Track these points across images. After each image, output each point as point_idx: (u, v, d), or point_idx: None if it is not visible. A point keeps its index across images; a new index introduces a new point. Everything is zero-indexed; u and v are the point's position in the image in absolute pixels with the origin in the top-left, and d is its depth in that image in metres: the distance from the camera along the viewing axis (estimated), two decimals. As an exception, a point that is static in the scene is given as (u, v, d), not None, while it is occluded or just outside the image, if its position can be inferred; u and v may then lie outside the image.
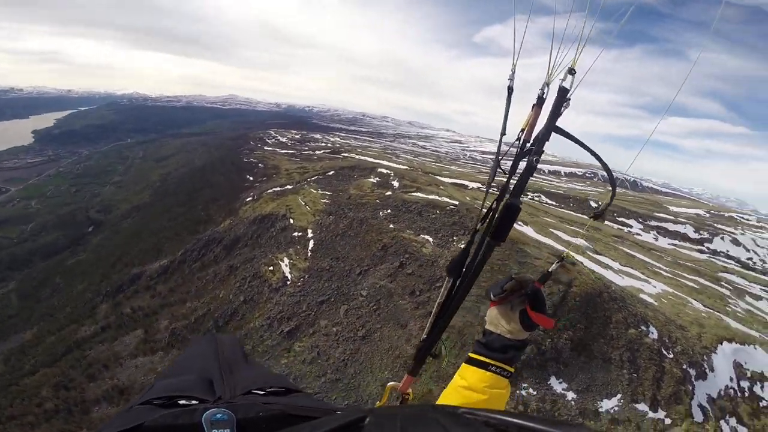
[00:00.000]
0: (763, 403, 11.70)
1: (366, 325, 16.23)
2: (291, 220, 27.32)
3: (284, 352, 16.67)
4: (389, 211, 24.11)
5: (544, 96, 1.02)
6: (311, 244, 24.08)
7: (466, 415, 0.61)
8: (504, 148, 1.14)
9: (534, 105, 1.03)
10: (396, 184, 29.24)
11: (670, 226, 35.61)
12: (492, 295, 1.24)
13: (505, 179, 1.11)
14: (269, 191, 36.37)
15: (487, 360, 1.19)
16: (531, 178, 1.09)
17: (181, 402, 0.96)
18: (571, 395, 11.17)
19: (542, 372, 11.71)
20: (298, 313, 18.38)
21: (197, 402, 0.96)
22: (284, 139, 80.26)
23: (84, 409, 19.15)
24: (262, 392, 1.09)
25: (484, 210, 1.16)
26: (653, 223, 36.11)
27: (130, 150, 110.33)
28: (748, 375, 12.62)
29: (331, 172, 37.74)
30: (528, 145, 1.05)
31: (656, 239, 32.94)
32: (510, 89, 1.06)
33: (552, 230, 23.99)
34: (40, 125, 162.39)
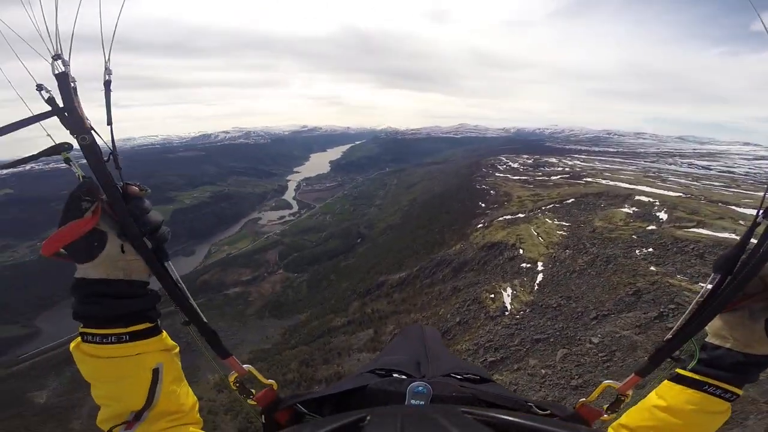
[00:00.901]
0: None
1: (584, 376, 13.14)
2: (521, 251, 25.83)
3: (480, 381, 15.69)
4: (650, 249, 19.13)
5: None
6: (540, 277, 21.96)
7: (466, 415, 0.63)
8: None
9: None
10: (663, 216, 23.05)
11: None
12: None
13: None
14: (500, 219, 35.90)
15: (704, 379, 0.99)
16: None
17: (395, 375, 1.18)
18: None
19: None
20: (507, 346, 17.12)
21: (406, 377, 1.16)
22: (516, 165, 78.45)
23: (308, 386, 23.57)
24: (459, 377, 1.21)
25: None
26: None
27: (388, 177, 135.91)
28: None
29: (570, 200, 33.69)
30: None
31: None
32: None
33: None
34: (333, 157, 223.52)
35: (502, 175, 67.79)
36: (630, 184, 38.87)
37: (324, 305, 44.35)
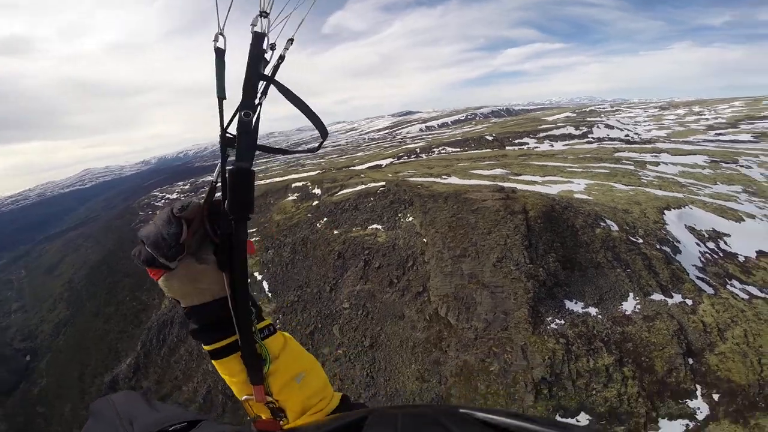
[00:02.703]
0: (740, 258, 13.09)
1: (367, 333, 15.90)
2: (231, 271, 25.35)
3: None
4: (326, 219, 23.58)
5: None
6: (266, 285, 22.69)
7: (466, 415, 0.62)
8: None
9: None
10: (318, 191, 28.58)
11: (556, 132, 40.45)
12: (164, 255, 0.89)
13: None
14: (190, 253, 33.20)
15: (228, 341, 1.00)
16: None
17: None
18: (593, 310, 11.26)
19: (554, 301, 11.86)
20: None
21: None
22: (174, 195, 73.07)
23: None
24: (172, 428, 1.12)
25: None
26: (542, 134, 40.62)
27: (6, 272, 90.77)
28: (706, 236, 14.25)
29: (246, 207, 35.43)
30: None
31: (552, 146, 37.19)
32: (219, 50, 0.90)
33: (472, 171, 25.63)
34: None
35: (166, 210, 61.29)
36: (282, 176, 45.22)
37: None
